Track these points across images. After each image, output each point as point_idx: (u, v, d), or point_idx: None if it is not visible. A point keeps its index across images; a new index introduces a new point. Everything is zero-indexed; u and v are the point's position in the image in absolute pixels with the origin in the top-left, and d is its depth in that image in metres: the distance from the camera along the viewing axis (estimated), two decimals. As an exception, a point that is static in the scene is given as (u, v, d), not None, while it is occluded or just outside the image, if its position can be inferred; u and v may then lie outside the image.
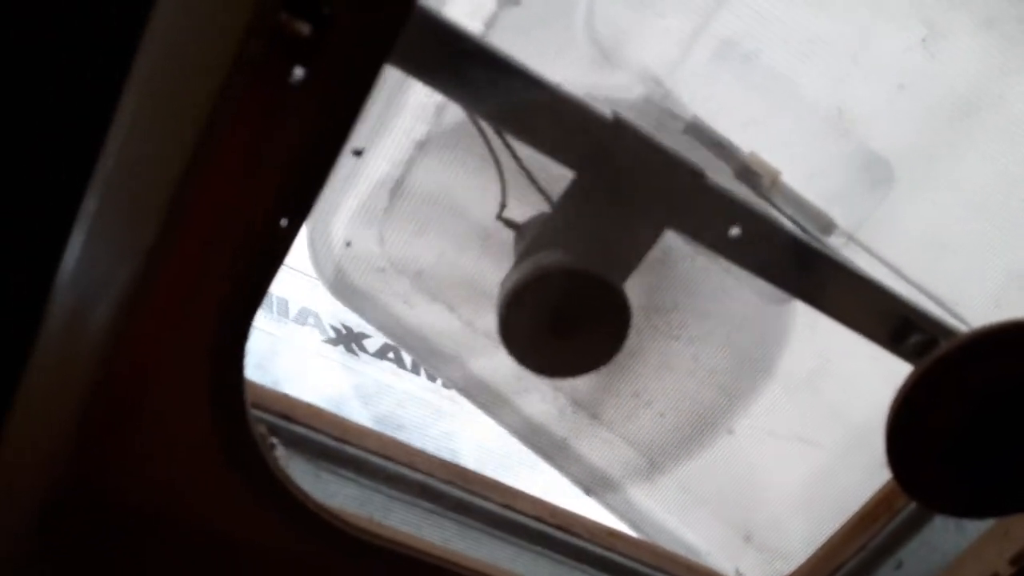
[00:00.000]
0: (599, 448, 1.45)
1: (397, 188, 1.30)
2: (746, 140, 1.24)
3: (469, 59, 0.91)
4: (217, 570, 1.11)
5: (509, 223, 1.21)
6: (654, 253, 1.09)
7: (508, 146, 1.10)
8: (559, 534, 1.43)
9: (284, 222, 0.78)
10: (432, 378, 4.03)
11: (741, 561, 1.55)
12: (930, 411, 1.03)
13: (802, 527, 1.53)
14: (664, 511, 1.52)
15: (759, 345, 1.35)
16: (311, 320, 4.03)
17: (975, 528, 1.37)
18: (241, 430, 0.96)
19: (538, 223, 1.14)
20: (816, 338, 1.35)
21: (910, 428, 1.04)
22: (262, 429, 1.02)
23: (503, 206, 1.20)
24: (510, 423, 1.47)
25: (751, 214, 1.08)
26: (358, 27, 0.71)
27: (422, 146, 1.28)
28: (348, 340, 4.04)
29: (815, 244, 1.14)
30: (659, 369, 1.33)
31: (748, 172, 1.23)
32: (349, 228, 1.35)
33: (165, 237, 0.74)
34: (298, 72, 0.72)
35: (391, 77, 1.07)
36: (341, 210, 1.34)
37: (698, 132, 1.26)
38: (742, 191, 1.18)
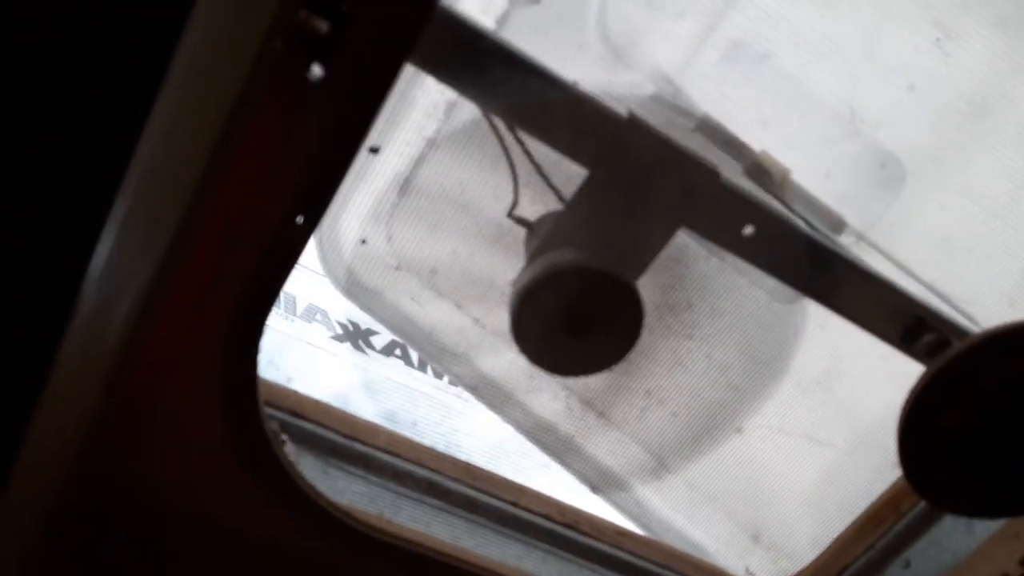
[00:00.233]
0: (607, 446, 1.45)
1: (407, 185, 1.30)
2: (756, 139, 1.24)
3: (487, 57, 0.91)
4: (228, 567, 1.11)
5: (520, 221, 1.21)
6: (668, 252, 1.09)
7: (521, 144, 1.10)
8: (567, 532, 1.43)
9: (300, 219, 0.78)
10: (439, 375, 4.02)
11: (749, 560, 1.55)
12: (942, 411, 1.03)
13: (810, 526, 1.53)
14: (672, 509, 1.52)
15: (771, 344, 1.35)
16: (318, 317, 4.03)
17: (984, 529, 1.37)
18: (254, 428, 0.96)
19: (550, 221, 1.14)
20: (826, 337, 1.35)
21: (922, 428, 1.04)
22: (274, 426, 1.02)
23: (515, 203, 1.20)
24: (518, 421, 1.47)
25: (765, 213, 1.08)
26: (377, 25, 0.71)
27: (432, 143, 1.27)
28: (355, 337, 4.04)
29: (828, 243, 1.13)
30: (672, 368, 1.33)
31: (759, 170, 1.23)
32: (357, 225, 1.35)
33: (183, 235, 0.74)
34: (316, 70, 0.72)
35: (402, 72, 1.07)
36: (349, 206, 1.34)
37: (708, 130, 1.25)
38: (752, 189, 1.18)
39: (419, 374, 4.04)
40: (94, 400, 0.84)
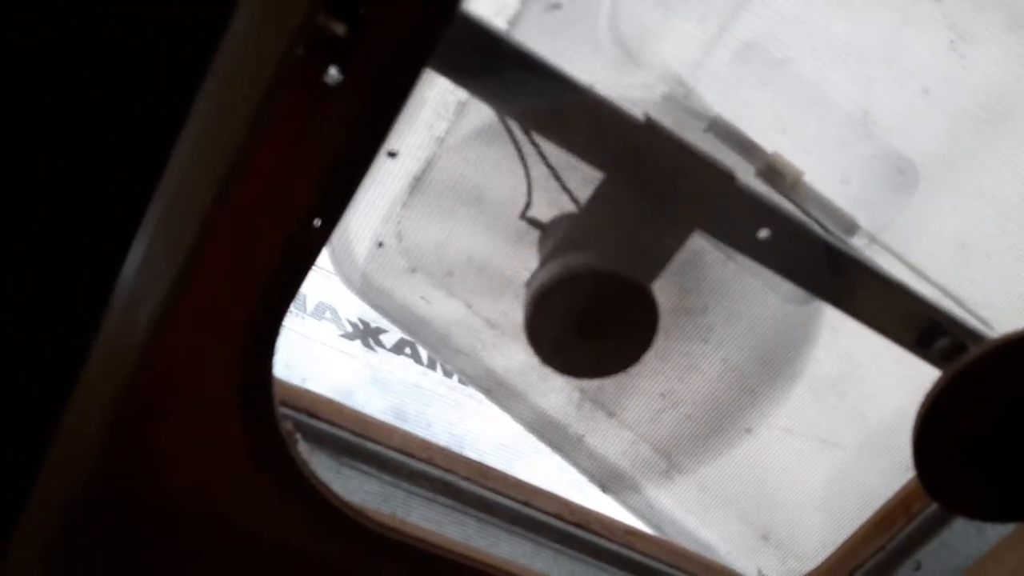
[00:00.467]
0: (619, 447, 1.45)
1: (418, 185, 1.30)
2: (769, 141, 1.24)
3: (504, 61, 0.91)
4: (241, 565, 1.11)
5: (534, 223, 1.21)
6: (684, 255, 1.09)
7: (536, 146, 1.10)
8: (578, 531, 1.43)
9: (318, 222, 0.79)
10: (449, 373, 4.03)
11: (758, 560, 1.55)
12: (957, 416, 1.03)
13: (820, 528, 1.53)
14: (682, 510, 1.52)
15: (785, 347, 1.34)
16: (328, 315, 4.03)
17: (995, 532, 1.37)
18: (269, 427, 0.96)
19: (564, 223, 1.14)
20: (838, 340, 1.35)
21: (937, 432, 1.03)
22: (288, 426, 1.02)
23: (528, 205, 1.20)
24: (529, 420, 1.48)
25: (780, 216, 1.07)
26: (395, 29, 0.71)
27: (443, 143, 1.28)
28: (365, 335, 4.05)
29: (843, 246, 1.13)
30: (688, 371, 1.33)
31: (771, 172, 1.23)
32: (369, 226, 1.35)
33: (203, 237, 0.74)
34: (333, 72, 0.72)
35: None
36: (361, 207, 1.34)
37: (720, 131, 1.25)
38: (765, 191, 1.18)
39: (429, 372, 4.04)
40: (116, 400, 0.84)
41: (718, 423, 1.40)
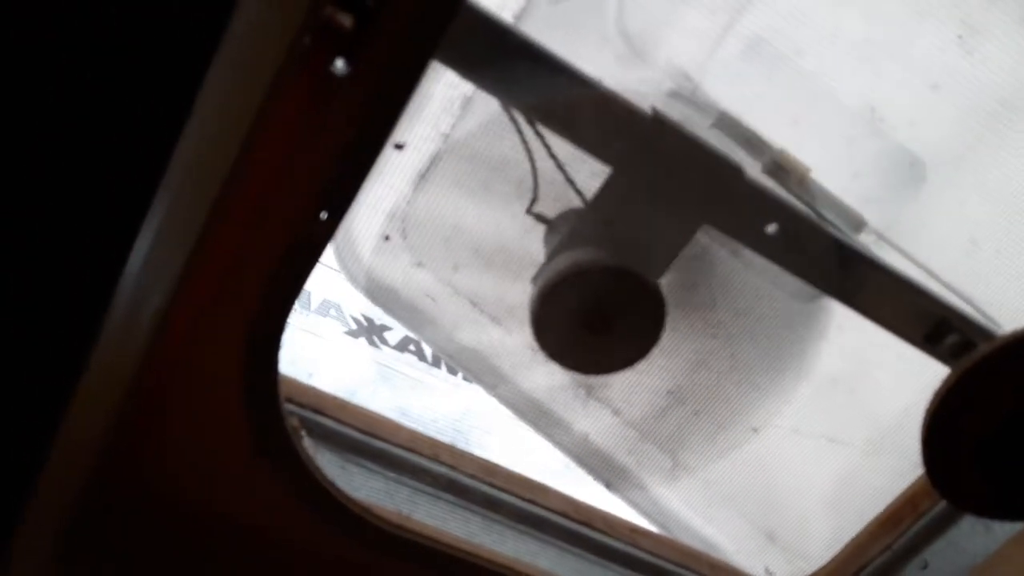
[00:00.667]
0: (624, 444, 1.45)
1: (422, 180, 1.30)
2: (775, 137, 1.23)
3: (512, 54, 0.91)
4: (245, 562, 1.11)
5: (540, 217, 1.20)
6: (693, 251, 1.08)
7: (542, 140, 1.09)
8: (583, 529, 1.42)
9: (324, 215, 0.78)
10: (453, 370, 4.03)
11: (764, 559, 1.54)
12: (967, 413, 1.02)
13: (826, 526, 1.52)
14: (688, 508, 1.51)
15: (793, 344, 1.34)
16: (333, 312, 4.04)
17: (1003, 531, 1.36)
18: (274, 424, 0.96)
19: (571, 218, 1.13)
20: (846, 337, 1.34)
21: (946, 430, 1.03)
22: (294, 422, 1.02)
23: (534, 200, 1.20)
24: (534, 418, 1.47)
25: (788, 212, 1.07)
26: (402, 21, 0.71)
27: (448, 138, 1.27)
28: (369, 332, 4.05)
29: (851, 242, 1.13)
30: (696, 368, 1.33)
31: (778, 168, 1.22)
32: (374, 221, 1.34)
33: (208, 231, 0.74)
34: (340, 65, 0.72)
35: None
36: (364, 201, 1.33)
37: (727, 126, 1.24)
38: (772, 186, 1.17)
39: (433, 369, 4.05)
40: (120, 397, 0.84)
41: (724, 421, 1.40)
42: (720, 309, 1.29)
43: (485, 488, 1.36)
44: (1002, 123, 1.23)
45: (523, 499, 1.39)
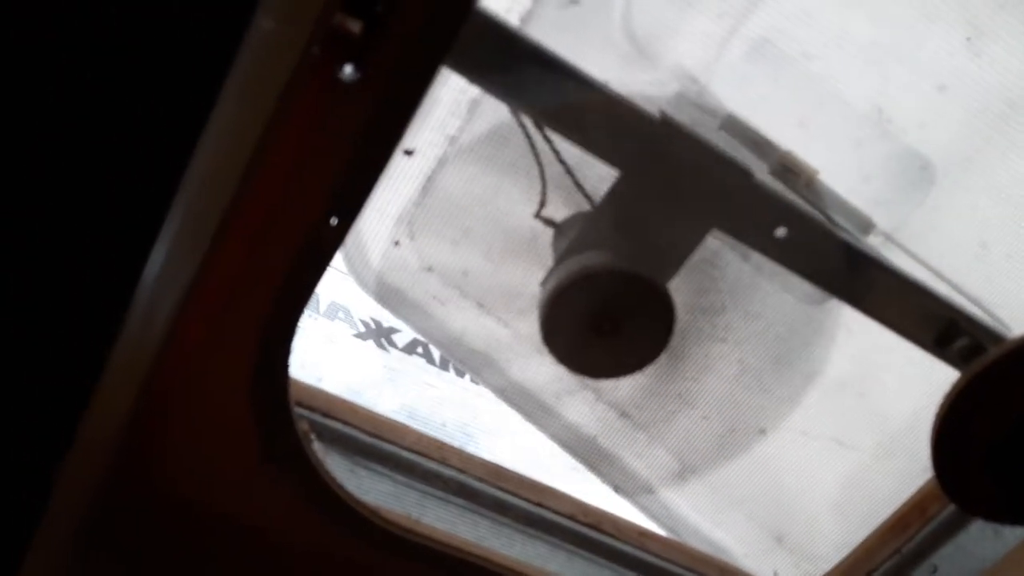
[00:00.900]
0: (632, 448, 1.45)
1: (430, 184, 1.30)
2: (783, 139, 1.23)
3: (520, 58, 0.91)
4: (255, 564, 1.11)
5: (548, 222, 1.20)
6: (702, 255, 1.08)
7: (550, 144, 1.09)
8: (592, 533, 1.42)
9: (335, 220, 0.78)
10: (461, 373, 4.03)
11: (772, 563, 1.54)
12: (977, 417, 1.02)
13: (835, 530, 1.52)
14: (696, 511, 1.51)
15: (802, 347, 1.34)
16: (341, 314, 4.04)
17: (1013, 535, 1.36)
18: (285, 427, 0.96)
19: (579, 222, 1.13)
20: (855, 341, 1.34)
21: (956, 433, 1.03)
22: (304, 426, 1.02)
23: (542, 204, 1.20)
24: (542, 422, 1.47)
25: (797, 215, 1.07)
26: (411, 27, 0.71)
27: (455, 141, 1.27)
28: (378, 335, 4.05)
29: (861, 245, 1.12)
30: (705, 372, 1.33)
31: (785, 170, 1.22)
32: (382, 225, 1.35)
33: (220, 237, 0.74)
34: (348, 70, 0.72)
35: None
36: (373, 206, 1.34)
37: (734, 129, 1.24)
38: (780, 189, 1.17)
39: (442, 372, 4.04)
40: (134, 401, 0.84)
41: (733, 424, 1.40)
42: (729, 312, 1.29)
43: (494, 491, 1.36)
44: (1011, 125, 1.23)
45: (532, 502, 1.39)
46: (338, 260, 1.40)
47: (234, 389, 0.91)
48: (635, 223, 1.05)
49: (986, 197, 1.29)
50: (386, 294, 1.39)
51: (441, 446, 1.37)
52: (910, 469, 1.39)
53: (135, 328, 0.79)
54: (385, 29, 0.70)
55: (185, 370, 0.87)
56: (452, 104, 1.23)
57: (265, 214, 0.77)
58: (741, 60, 1.22)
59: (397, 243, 1.32)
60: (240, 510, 1.03)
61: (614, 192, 1.05)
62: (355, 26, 0.70)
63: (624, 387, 1.39)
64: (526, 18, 1.16)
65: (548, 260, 1.21)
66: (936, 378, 1.11)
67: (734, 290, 1.27)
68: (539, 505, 1.39)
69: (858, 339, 1.35)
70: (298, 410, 1.21)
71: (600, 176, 1.14)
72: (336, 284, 3.91)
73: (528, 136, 1.11)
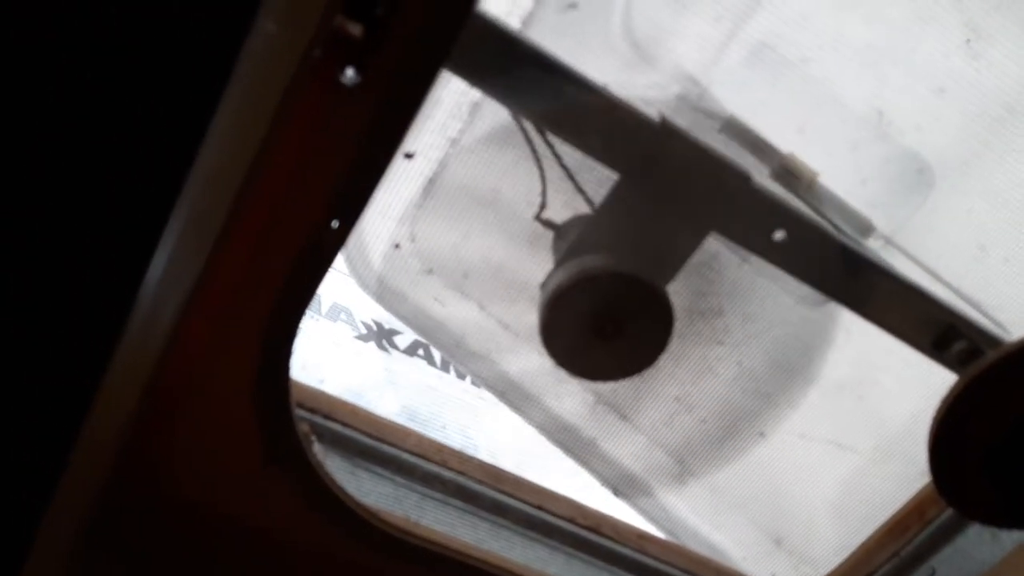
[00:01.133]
0: (632, 450, 1.45)
1: (431, 186, 1.30)
2: (783, 142, 1.24)
3: (520, 61, 0.91)
4: (254, 565, 1.12)
5: (548, 224, 1.21)
6: (700, 257, 1.08)
7: (551, 147, 1.10)
8: (591, 536, 1.43)
9: (336, 223, 0.79)
10: (462, 375, 4.03)
11: (770, 565, 1.54)
12: (974, 420, 1.02)
13: (834, 533, 1.52)
14: (695, 514, 1.51)
15: (800, 350, 1.34)
16: (343, 316, 4.04)
17: (1011, 539, 1.36)
18: (286, 429, 0.97)
19: (579, 224, 1.14)
20: (854, 344, 1.35)
21: (953, 437, 1.03)
22: (305, 428, 1.03)
23: (542, 207, 1.20)
24: (542, 423, 1.47)
25: (796, 218, 1.07)
26: (412, 29, 0.71)
27: (456, 143, 1.28)
28: (379, 336, 4.05)
29: (860, 249, 1.13)
30: (703, 374, 1.33)
31: (786, 173, 1.22)
32: (383, 227, 1.35)
33: (221, 239, 0.74)
34: (350, 73, 0.73)
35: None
36: (374, 208, 1.34)
37: (734, 132, 1.25)
38: (780, 192, 1.17)
39: (443, 374, 4.04)
40: (136, 402, 0.85)
41: (732, 427, 1.40)
42: (728, 315, 1.29)
43: (493, 494, 1.37)
44: (1008, 129, 1.23)
45: (531, 505, 1.39)
46: (340, 262, 1.40)
47: (237, 390, 0.91)
48: (635, 226, 1.05)
49: (984, 200, 1.29)
50: (387, 296, 1.40)
51: (441, 448, 1.38)
52: (908, 472, 1.39)
53: (138, 329, 0.79)
54: (386, 32, 0.71)
55: (188, 371, 0.87)
56: (453, 107, 1.23)
57: (267, 216, 0.77)
58: (740, 64, 1.23)
59: (398, 245, 1.32)
60: (241, 511, 1.03)
61: (614, 195, 1.05)
62: (356, 29, 0.70)
63: (623, 390, 1.39)
64: (527, 21, 1.17)
65: (548, 263, 1.22)
66: (934, 381, 1.11)
67: (733, 293, 1.28)
68: (538, 508, 1.39)
69: (856, 342, 1.35)
70: (299, 412, 1.21)
71: (600, 179, 1.15)
72: (338, 286, 3.91)
73: (528, 139, 1.11)
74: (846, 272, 1.10)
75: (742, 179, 1.03)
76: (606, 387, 1.40)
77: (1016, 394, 1.00)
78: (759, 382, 1.35)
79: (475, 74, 0.95)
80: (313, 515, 1.04)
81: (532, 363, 1.39)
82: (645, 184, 1.04)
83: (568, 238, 1.13)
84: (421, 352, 4.10)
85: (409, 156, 1.23)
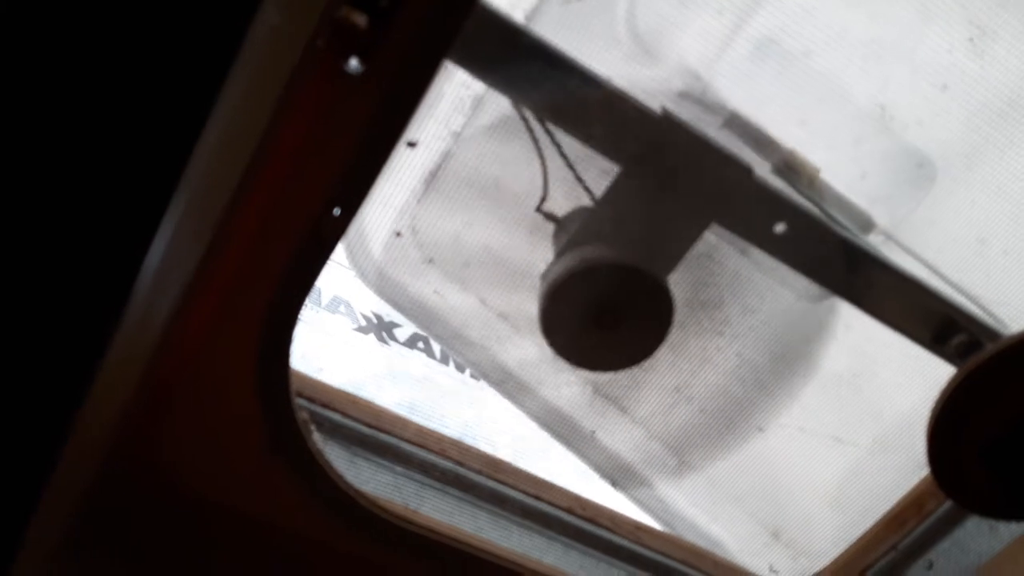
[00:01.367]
0: (630, 442, 1.45)
1: (433, 178, 1.30)
2: (784, 136, 1.24)
3: (523, 53, 0.92)
4: (254, 553, 1.12)
5: (549, 215, 1.21)
6: (701, 249, 1.08)
7: (553, 139, 1.10)
8: (589, 526, 1.43)
9: (337, 211, 0.79)
10: (461, 367, 4.04)
11: (768, 558, 1.55)
12: (973, 413, 1.03)
13: (832, 525, 1.52)
14: (692, 506, 1.52)
15: (800, 343, 1.34)
16: (342, 308, 4.05)
17: (1009, 531, 1.37)
18: (285, 418, 0.97)
19: (580, 216, 1.14)
20: (853, 337, 1.35)
21: (952, 430, 1.03)
22: (304, 416, 1.03)
23: (544, 198, 1.20)
24: (540, 415, 1.48)
25: (797, 211, 1.07)
26: (415, 20, 0.72)
27: (459, 136, 1.28)
28: (379, 329, 4.07)
29: (860, 242, 1.13)
30: (703, 365, 1.33)
31: (787, 168, 1.23)
32: (385, 218, 1.35)
33: (223, 227, 0.75)
34: (354, 63, 0.73)
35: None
36: (376, 199, 1.34)
37: (737, 127, 1.25)
38: (781, 187, 1.18)
39: (442, 366, 4.05)
40: (134, 390, 0.85)
41: (731, 419, 1.40)
42: (728, 307, 1.30)
43: (492, 484, 1.37)
44: (1010, 124, 1.24)
45: (529, 495, 1.40)
46: (340, 255, 1.41)
47: (236, 379, 0.91)
48: (635, 218, 1.05)
49: (985, 195, 1.29)
50: (386, 285, 1.40)
51: (440, 438, 1.38)
52: (907, 465, 1.40)
53: (136, 317, 0.79)
54: (390, 22, 0.71)
55: (187, 360, 0.88)
56: (456, 99, 1.23)
57: (268, 204, 0.77)
58: (744, 58, 1.23)
59: (399, 234, 1.33)
60: (240, 500, 1.04)
61: (615, 187, 1.06)
62: (361, 19, 0.71)
63: (622, 381, 1.39)
64: (531, 14, 1.17)
65: (548, 254, 1.22)
66: (933, 374, 1.11)
67: (733, 285, 1.28)
68: (537, 498, 1.40)
69: (856, 335, 1.35)
70: (298, 401, 1.21)
71: (602, 170, 1.15)
72: (338, 278, 3.92)
73: (530, 131, 1.11)
74: (846, 265, 1.11)
75: (743, 171, 1.04)
76: (605, 378, 1.40)
77: (1015, 387, 1.01)
78: (758, 374, 1.35)
79: (478, 65, 0.96)
80: (312, 504, 1.05)
81: (531, 354, 1.39)
82: (646, 176, 1.04)
83: (569, 229, 1.13)
84: (421, 344, 4.11)
85: (412, 145, 1.23)
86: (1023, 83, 1.21)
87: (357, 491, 1.08)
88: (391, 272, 1.38)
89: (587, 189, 1.15)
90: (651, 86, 1.20)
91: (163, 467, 0.99)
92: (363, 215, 1.35)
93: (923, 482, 1.40)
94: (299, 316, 0.88)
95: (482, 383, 1.53)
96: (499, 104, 1.18)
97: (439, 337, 1.47)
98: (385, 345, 4.05)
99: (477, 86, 1.20)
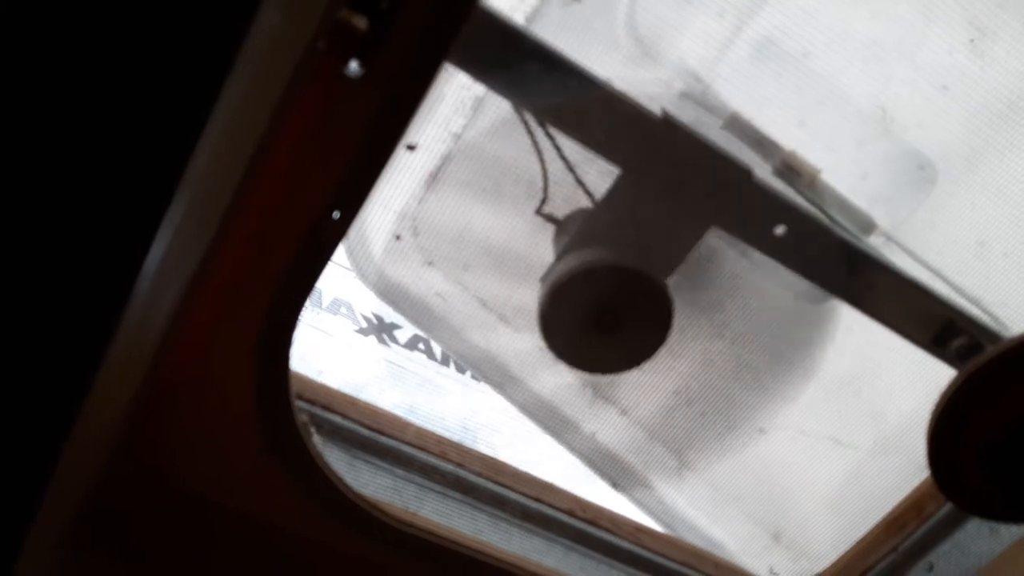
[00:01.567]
0: (630, 444, 1.45)
1: (433, 180, 1.30)
2: (786, 138, 1.24)
3: (523, 55, 0.92)
4: (252, 554, 1.12)
5: (549, 218, 1.21)
6: (701, 251, 1.08)
7: (553, 141, 1.10)
8: (589, 528, 1.43)
9: (337, 214, 0.79)
10: (462, 369, 4.05)
11: (768, 560, 1.54)
12: (973, 415, 1.03)
13: (832, 528, 1.52)
14: (693, 508, 1.52)
15: (800, 345, 1.34)
16: (343, 310, 4.06)
17: (1009, 533, 1.36)
18: (285, 420, 0.97)
19: (580, 218, 1.14)
20: (853, 339, 1.35)
21: (952, 432, 1.03)
22: (304, 418, 1.03)
23: (544, 200, 1.20)
24: (540, 417, 1.48)
25: (797, 213, 1.07)
26: (415, 23, 0.72)
27: (460, 138, 1.28)
28: (380, 330, 4.08)
29: (860, 245, 1.13)
30: (703, 368, 1.33)
31: (788, 169, 1.23)
32: (386, 220, 1.35)
33: (223, 229, 0.75)
34: (354, 66, 0.73)
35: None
36: (376, 200, 1.34)
37: (737, 128, 1.25)
38: (781, 188, 1.18)
39: (443, 368, 4.06)
40: (134, 392, 0.85)
41: (731, 421, 1.40)
42: (728, 310, 1.30)
43: (492, 486, 1.37)
44: (1010, 126, 1.24)
45: (530, 497, 1.40)
46: (340, 256, 1.41)
47: (236, 380, 0.92)
48: (635, 220, 1.05)
49: (986, 197, 1.29)
50: (387, 289, 1.40)
51: (440, 441, 1.38)
52: (907, 467, 1.40)
53: (136, 318, 0.79)
54: (390, 25, 0.71)
55: (187, 363, 0.88)
56: (457, 101, 1.23)
57: (268, 206, 0.78)
58: (744, 60, 1.23)
59: (399, 237, 1.33)
60: (239, 501, 1.04)
61: (615, 189, 1.06)
62: (361, 22, 0.71)
63: (622, 383, 1.39)
64: (531, 17, 1.17)
65: (548, 256, 1.22)
66: (934, 377, 1.11)
67: (733, 287, 1.28)
68: (537, 500, 1.40)
69: (856, 337, 1.35)
70: (298, 403, 1.21)
71: (601, 173, 1.15)
72: (338, 280, 3.93)
73: (531, 133, 1.11)
74: (846, 267, 1.11)
75: (743, 174, 1.04)
76: (605, 380, 1.40)
77: (1015, 389, 1.01)
78: (759, 376, 1.35)
79: (478, 68, 0.96)
80: (312, 506, 1.05)
81: (531, 356, 1.39)
82: (646, 178, 1.04)
83: (569, 232, 1.13)
84: (421, 346, 4.12)
85: (411, 148, 1.23)
86: (1022, 85, 1.21)
87: (357, 494, 1.08)
88: (392, 274, 1.38)
89: (587, 191, 1.15)
90: (651, 88, 1.21)
91: (163, 468, 0.99)
92: (364, 217, 1.35)
93: (923, 484, 1.39)
94: (299, 318, 0.88)
95: (483, 385, 1.53)
96: (499, 106, 1.18)
97: (440, 339, 1.47)
98: (386, 347, 4.06)
99: (477, 88, 1.20)
